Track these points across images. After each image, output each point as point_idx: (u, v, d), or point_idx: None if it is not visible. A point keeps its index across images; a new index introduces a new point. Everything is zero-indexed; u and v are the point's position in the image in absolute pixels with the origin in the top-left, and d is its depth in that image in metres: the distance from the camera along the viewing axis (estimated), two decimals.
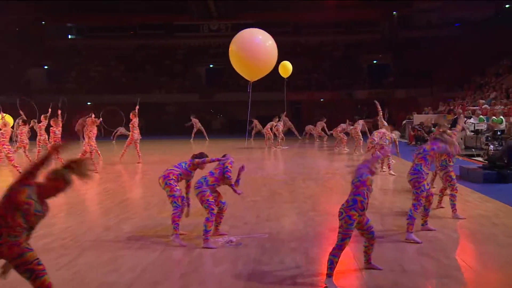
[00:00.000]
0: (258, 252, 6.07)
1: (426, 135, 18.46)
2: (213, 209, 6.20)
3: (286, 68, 20.65)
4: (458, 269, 5.25)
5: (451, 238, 6.48)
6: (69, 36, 39.75)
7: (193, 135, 24.95)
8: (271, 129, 21.19)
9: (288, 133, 24.75)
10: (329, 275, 4.55)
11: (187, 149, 20.76)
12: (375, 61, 37.60)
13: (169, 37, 37.86)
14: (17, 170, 12.54)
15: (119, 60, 37.09)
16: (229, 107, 33.66)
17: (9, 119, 18.54)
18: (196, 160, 6.46)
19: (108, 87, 33.97)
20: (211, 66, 36.81)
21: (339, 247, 4.63)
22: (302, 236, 6.90)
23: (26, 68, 35.65)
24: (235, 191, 6.49)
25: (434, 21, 37.93)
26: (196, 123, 25.19)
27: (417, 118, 23.53)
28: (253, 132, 24.21)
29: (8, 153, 13.28)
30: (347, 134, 20.92)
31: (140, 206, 9.47)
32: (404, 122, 25.66)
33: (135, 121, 15.39)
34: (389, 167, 12.45)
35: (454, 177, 7.48)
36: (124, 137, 21.82)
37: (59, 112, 15.84)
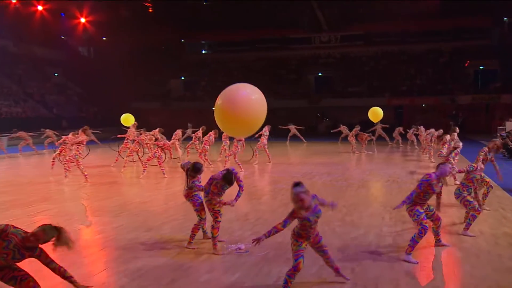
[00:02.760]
0: (257, 261, 6.28)
1: (511, 143, 17.40)
2: (217, 217, 6.65)
3: (376, 113, 20.27)
4: None
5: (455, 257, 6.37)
6: (203, 51, 43.77)
7: (288, 138, 26.36)
8: (356, 135, 21.01)
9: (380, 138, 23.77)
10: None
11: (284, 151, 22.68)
12: (481, 67, 37.43)
13: (284, 49, 40.49)
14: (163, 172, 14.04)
15: (240, 71, 39.92)
16: (334, 111, 35.40)
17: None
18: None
19: None
20: (320, 74, 38.98)
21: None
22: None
23: (167, 79, 40.54)
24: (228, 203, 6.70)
25: None
26: (292, 128, 26.37)
27: (510, 125, 22.90)
28: (340, 137, 24.60)
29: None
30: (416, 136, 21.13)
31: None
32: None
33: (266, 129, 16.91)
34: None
35: (471, 200, 7.38)
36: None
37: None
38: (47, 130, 22.90)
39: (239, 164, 15.04)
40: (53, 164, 14.89)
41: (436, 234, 6.68)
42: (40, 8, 34.41)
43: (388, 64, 38.23)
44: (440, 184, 6.42)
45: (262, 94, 6.56)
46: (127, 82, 37.82)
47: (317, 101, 36.54)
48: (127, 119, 20.18)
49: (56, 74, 39.95)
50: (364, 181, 13.06)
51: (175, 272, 6.01)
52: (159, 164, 14.19)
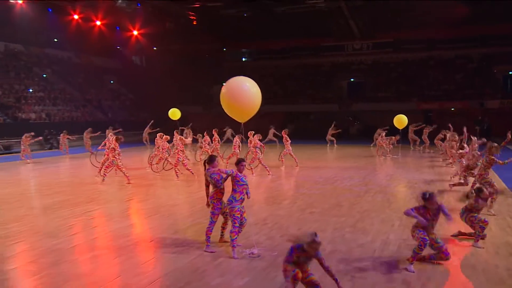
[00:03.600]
0: (266, 266, 6.21)
1: None
2: (235, 223, 6.63)
3: (401, 121, 19.80)
4: None
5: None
6: (243, 59, 43.87)
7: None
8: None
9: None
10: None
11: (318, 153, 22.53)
12: (510, 72, 36.02)
13: (318, 56, 40.29)
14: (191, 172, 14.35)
15: (276, 77, 40.28)
16: (365, 115, 34.98)
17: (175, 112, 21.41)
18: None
19: (267, 99, 38.28)
20: (352, 80, 38.59)
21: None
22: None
23: (210, 86, 40.06)
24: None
25: None
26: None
27: None
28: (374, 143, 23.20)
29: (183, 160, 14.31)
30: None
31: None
32: None
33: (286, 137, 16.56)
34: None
35: (475, 215, 7.14)
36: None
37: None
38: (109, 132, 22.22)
39: (266, 168, 14.90)
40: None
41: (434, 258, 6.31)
42: (98, 23, 35.69)
43: (417, 69, 37.36)
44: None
45: (258, 88, 6.96)
46: (174, 88, 38.48)
47: (349, 106, 36.12)
48: (174, 113, 20.80)
49: (112, 82, 41.21)
50: (383, 186, 12.67)
51: (192, 274, 6.03)
52: (185, 167, 14.30)
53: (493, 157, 9.45)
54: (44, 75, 34.79)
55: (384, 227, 8.15)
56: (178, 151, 14.18)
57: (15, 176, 16.76)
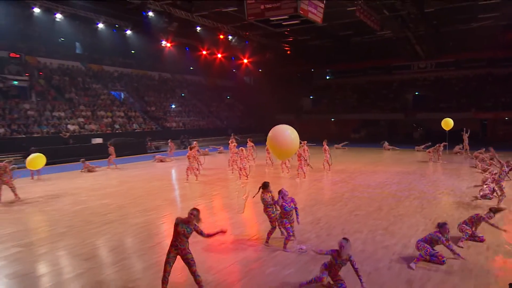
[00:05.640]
0: (308, 260, 6.05)
1: None
2: (288, 232, 6.58)
3: (448, 124, 18.59)
4: None
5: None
6: (327, 77, 43.06)
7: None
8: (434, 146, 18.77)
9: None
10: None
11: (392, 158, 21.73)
12: None
13: (388, 74, 38.40)
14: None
15: (353, 91, 39.17)
16: (427, 123, 32.76)
17: None
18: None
19: (346, 109, 37.13)
20: (416, 93, 36.20)
21: None
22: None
23: (300, 98, 40.92)
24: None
25: None
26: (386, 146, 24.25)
27: None
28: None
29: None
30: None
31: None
32: None
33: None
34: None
35: (468, 227, 7.00)
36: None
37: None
38: (234, 135, 21.72)
39: (303, 169, 13.85)
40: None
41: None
42: (219, 55, 37.66)
43: (476, 85, 33.91)
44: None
45: (297, 134, 6.62)
46: (273, 100, 39.04)
47: (413, 115, 33.90)
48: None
49: (228, 97, 42.89)
50: (422, 192, 11.49)
51: (254, 263, 6.09)
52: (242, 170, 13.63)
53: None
54: (182, 94, 37.23)
55: (410, 231, 7.67)
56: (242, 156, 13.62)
57: (157, 171, 17.21)
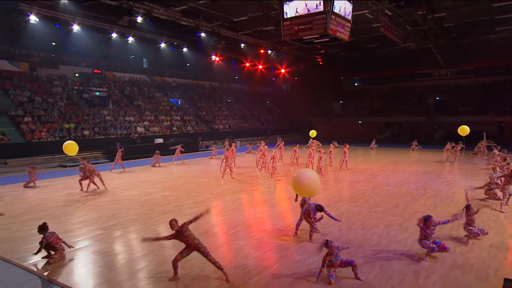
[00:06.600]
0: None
1: None
2: (313, 226, 6.77)
3: (464, 130, 17.22)
4: None
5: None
6: (355, 84, 41.91)
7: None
8: (453, 146, 17.91)
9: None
10: None
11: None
12: None
13: (411, 81, 36.77)
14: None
15: (379, 97, 38.00)
16: (447, 125, 30.90)
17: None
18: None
19: (372, 112, 36.20)
20: (437, 98, 34.32)
21: None
22: (360, 243, 6.32)
23: (330, 102, 40.20)
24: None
25: None
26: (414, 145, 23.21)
27: None
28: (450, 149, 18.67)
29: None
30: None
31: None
32: None
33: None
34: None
35: (472, 228, 6.69)
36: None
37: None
38: (278, 137, 21.87)
39: (320, 169, 13.39)
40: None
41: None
42: (260, 66, 37.95)
43: (494, 91, 31.61)
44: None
45: (318, 177, 6.29)
46: (306, 104, 38.65)
47: (434, 117, 32.23)
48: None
49: (267, 102, 42.86)
50: (437, 191, 11.03)
51: (285, 251, 6.23)
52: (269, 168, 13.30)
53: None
54: (229, 100, 37.67)
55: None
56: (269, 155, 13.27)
57: (207, 168, 17.18)
